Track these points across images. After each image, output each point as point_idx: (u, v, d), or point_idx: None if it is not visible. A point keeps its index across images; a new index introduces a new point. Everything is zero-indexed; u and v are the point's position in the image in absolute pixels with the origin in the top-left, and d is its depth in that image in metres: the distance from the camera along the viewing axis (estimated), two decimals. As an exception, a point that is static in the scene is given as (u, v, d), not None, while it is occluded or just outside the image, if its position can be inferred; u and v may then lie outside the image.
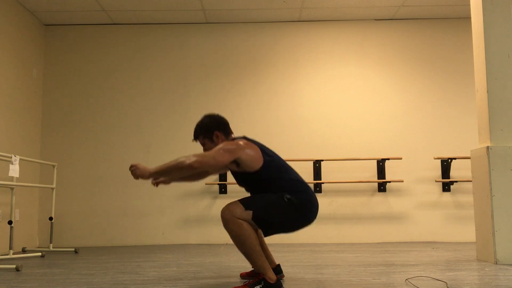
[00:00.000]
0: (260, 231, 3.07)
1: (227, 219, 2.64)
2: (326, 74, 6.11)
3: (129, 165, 2.78)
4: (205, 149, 2.95)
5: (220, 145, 2.73)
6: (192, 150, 5.98)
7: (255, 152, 2.77)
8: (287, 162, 2.96)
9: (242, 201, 2.70)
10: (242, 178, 2.86)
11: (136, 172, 2.76)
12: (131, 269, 3.68)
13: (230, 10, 5.82)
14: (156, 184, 3.04)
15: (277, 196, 2.72)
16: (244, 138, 2.87)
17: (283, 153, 5.73)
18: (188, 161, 2.63)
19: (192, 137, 3.07)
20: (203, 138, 2.96)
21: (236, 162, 2.73)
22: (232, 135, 2.98)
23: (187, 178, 3.13)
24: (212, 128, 2.93)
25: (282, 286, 2.73)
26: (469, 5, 4.28)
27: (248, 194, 2.93)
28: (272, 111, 5.99)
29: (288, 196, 2.71)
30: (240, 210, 2.65)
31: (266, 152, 2.83)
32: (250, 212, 2.65)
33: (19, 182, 4.93)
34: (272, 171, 2.78)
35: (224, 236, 5.79)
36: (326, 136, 5.97)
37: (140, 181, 5.90)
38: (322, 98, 6.05)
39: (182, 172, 2.69)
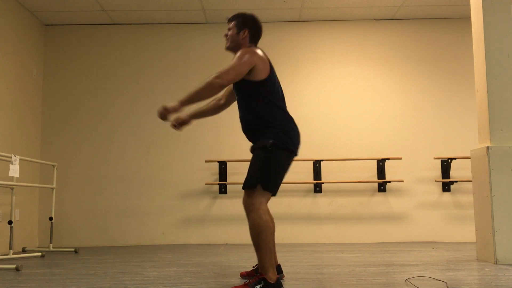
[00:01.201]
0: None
1: (250, 209, 2.70)
2: (326, 74, 6.11)
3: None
4: (227, 33, 3.01)
5: (238, 54, 2.79)
6: (193, 148, 6.00)
7: (264, 65, 2.83)
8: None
9: (246, 186, 2.75)
10: (241, 85, 2.88)
11: (168, 109, 2.79)
12: (131, 269, 3.68)
13: (230, 10, 5.81)
14: (179, 126, 3.13)
15: (263, 154, 2.77)
16: (260, 50, 2.93)
17: (283, 153, 5.74)
18: (216, 80, 2.70)
19: None
20: (234, 24, 2.99)
21: (250, 69, 2.79)
22: (253, 46, 2.99)
23: (211, 109, 3.24)
24: (247, 25, 2.97)
25: (282, 286, 2.73)
26: (469, 5, 4.28)
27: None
28: (272, 111, 5.98)
29: (271, 141, 2.76)
30: (255, 195, 2.69)
31: (272, 71, 2.90)
32: (259, 186, 2.70)
33: (19, 182, 4.92)
34: (268, 89, 2.85)
35: (224, 236, 5.80)
36: (326, 136, 5.97)
37: (140, 180, 5.90)
38: (322, 98, 6.05)
39: (212, 92, 2.75)
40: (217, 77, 2.71)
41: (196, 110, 3.22)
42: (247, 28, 2.96)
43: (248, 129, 2.94)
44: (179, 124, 3.15)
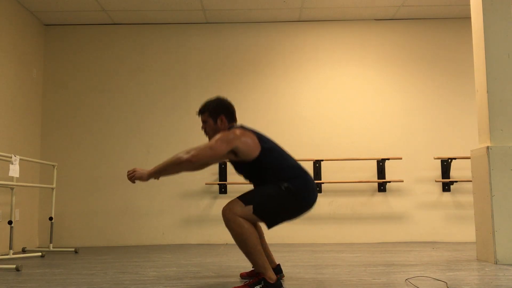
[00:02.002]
0: (260, 230, 3.07)
1: (228, 218, 2.64)
2: (326, 74, 6.11)
3: (129, 165, 2.81)
4: (204, 127, 2.97)
5: (217, 136, 2.73)
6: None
7: (251, 140, 2.77)
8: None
9: (241, 198, 2.71)
10: (241, 167, 2.87)
11: (135, 175, 2.78)
12: (131, 269, 3.68)
13: (230, 10, 5.82)
14: (134, 180, 2.98)
15: (275, 186, 2.72)
16: (241, 127, 2.87)
17: (283, 153, 5.75)
18: (186, 156, 2.64)
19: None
20: (208, 116, 2.94)
21: (233, 151, 2.74)
22: (234, 124, 2.97)
23: (188, 170, 3.11)
24: (219, 111, 2.93)
25: (282, 286, 2.73)
26: (469, 5, 4.28)
27: (247, 185, 2.93)
28: (272, 111, 5.99)
29: (286, 185, 2.71)
30: (240, 207, 2.65)
31: (263, 140, 2.83)
32: (251, 207, 2.66)
33: (19, 182, 4.93)
34: (270, 159, 2.79)
35: (224, 236, 5.80)
36: (326, 136, 5.97)
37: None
38: (322, 98, 6.05)
39: (181, 168, 2.71)
40: (188, 153, 2.64)
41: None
42: (222, 114, 2.92)
43: None
44: (135, 179, 2.90)
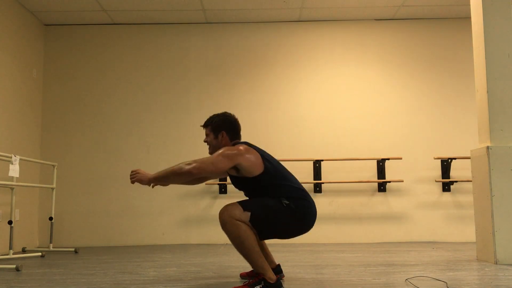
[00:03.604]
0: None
1: (225, 220, 2.65)
2: (326, 74, 6.11)
3: (129, 165, 2.81)
4: (206, 140, 2.99)
5: (220, 151, 2.73)
6: (192, 148, 5.99)
7: (255, 158, 2.77)
8: (288, 162, 2.96)
9: (241, 203, 2.70)
10: (241, 183, 2.86)
11: (136, 176, 2.79)
12: (131, 269, 3.68)
13: (230, 10, 5.82)
14: (153, 186, 3.03)
15: (276, 201, 2.72)
16: (246, 143, 2.87)
17: (283, 153, 5.74)
18: (187, 167, 2.64)
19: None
20: (210, 130, 2.97)
21: (235, 167, 2.73)
22: (238, 141, 2.97)
23: (186, 182, 3.12)
24: (221, 127, 2.95)
25: (282, 286, 2.73)
26: (469, 5, 4.28)
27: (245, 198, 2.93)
28: (272, 111, 5.99)
29: (287, 202, 2.71)
30: (238, 211, 2.65)
31: (267, 159, 2.82)
32: (248, 214, 2.66)
33: (19, 182, 4.93)
34: (272, 178, 2.78)
35: (224, 236, 5.75)
36: (326, 136, 5.97)
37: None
38: (322, 98, 6.05)
39: (181, 178, 2.71)
40: (190, 165, 2.64)
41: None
42: (224, 130, 2.94)
43: None
44: (136, 182, 2.89)
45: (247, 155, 2.74)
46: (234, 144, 2.88)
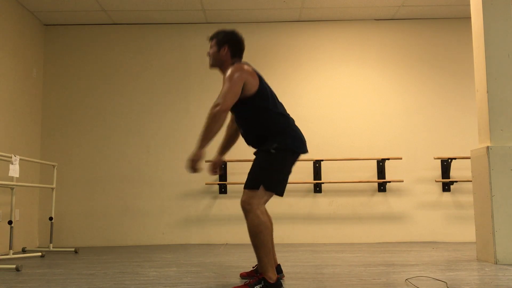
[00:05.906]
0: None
1: (247, 209, 2.70)
2: (326, 74, 6.11)
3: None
4: (209, 52, 3.03)
5: (227, 75, 2.77)
6: (193, 148, 5.98)
7: (253, 78, 2.85)
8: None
9: (249, 186, 2.75)
10: (235, 105, 2.87)
11: (194, 160, 2.74)
12: (131, 269, 3.68)
13: (230, 10, 5.82)
14: (218, 170, 3.21)
15: (266, 156, 2.80)
16: (246, 63, 2.94)
17: (283, 153, 5.74)
18: (216, 109, 2.68)
19: None
20: (215, 42, 3.02)
21: (243, 85, 2.80)
22: (238, 60, 3.01)
23: (231, 136, 3.24)
24: (226, 41, 2.99)
25: (282, 286, 2.73)
26: (469, 5, 4.28)
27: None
28: (272, 111, 5.98)
29: (274, 146, 2.79)
30: (257, 197, 2.70)
31: (261, 79, 2.92)
32: (262, 187, 2.72)
33: (19, 182, 4.93)
34: (262, 99, 2.86)
35: (224, 236, 5.80)
36: (326, 136, 5.97)
37: (140, 180, 5.90)
38: (322, 98, 6.05)
39: (219, 121, 2.70)
40: (216, 106, 2.69)
41: (220, 146, 3.26)
42: (227, 45, 2.98)
43: (252, 141, 2.96)
44: (216, 168, 3.19)
45: (250, 71, 2.84)
46: (233, 64, 2.92)
